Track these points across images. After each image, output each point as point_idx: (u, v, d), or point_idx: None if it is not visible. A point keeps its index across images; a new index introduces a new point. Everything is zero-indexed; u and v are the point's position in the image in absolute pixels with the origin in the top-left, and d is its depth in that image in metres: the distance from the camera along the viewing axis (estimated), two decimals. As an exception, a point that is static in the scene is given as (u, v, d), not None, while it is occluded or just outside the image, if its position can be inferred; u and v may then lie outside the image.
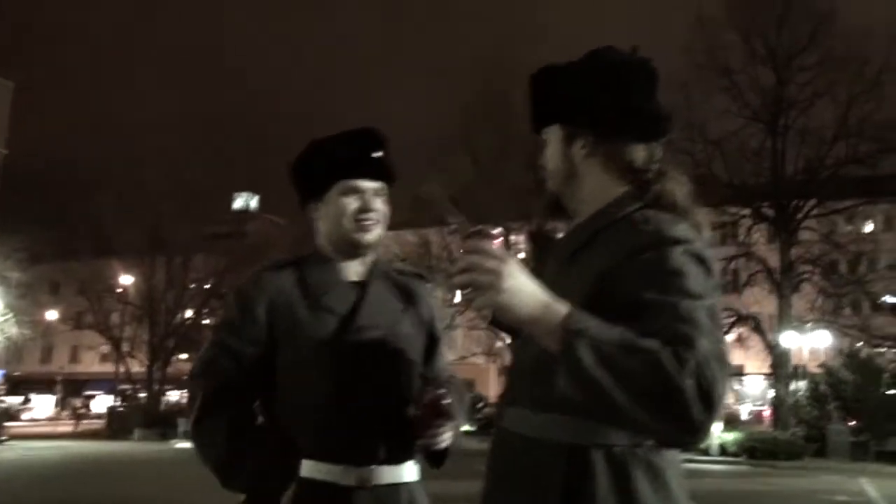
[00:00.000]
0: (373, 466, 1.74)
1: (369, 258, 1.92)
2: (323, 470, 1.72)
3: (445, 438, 1.76)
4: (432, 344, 1.97)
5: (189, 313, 34.95)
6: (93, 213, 32.03)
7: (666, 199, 1.43)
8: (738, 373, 32.19)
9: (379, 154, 1.88)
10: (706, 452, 19.81)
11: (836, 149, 24.54)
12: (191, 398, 1.84)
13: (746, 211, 26.02)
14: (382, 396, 1.78)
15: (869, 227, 30.71)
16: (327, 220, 1.87)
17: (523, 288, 1.24)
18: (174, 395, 43.56)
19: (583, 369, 1.19)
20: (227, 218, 41.28)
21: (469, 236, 1.29)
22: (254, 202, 57.31)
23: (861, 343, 24.01)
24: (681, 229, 1.35)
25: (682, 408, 1.16)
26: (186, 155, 31.64)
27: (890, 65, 23.14)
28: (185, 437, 25.30)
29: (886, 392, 20.08)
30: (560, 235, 1.61)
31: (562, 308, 1.24)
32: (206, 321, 36.95)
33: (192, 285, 34.74)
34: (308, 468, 1.73)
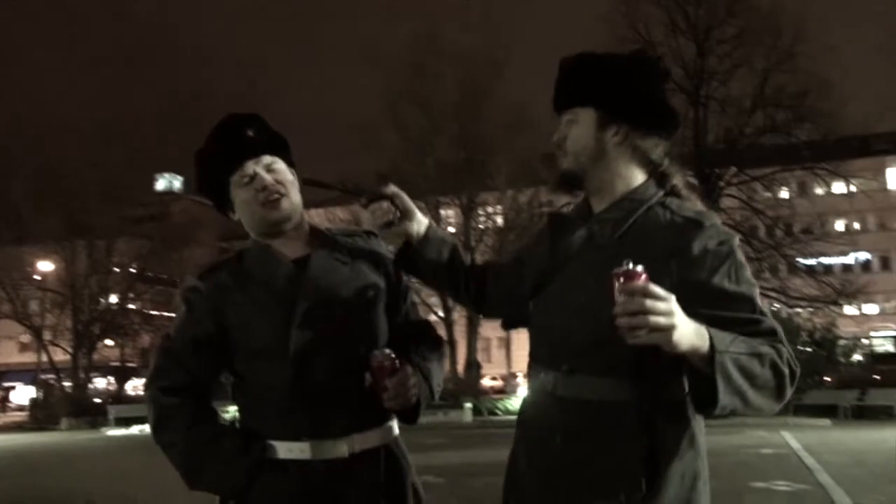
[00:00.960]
0: (341, 439, 1.75)
1: (304, 230, 1.91)
2: (294, 449, 1.74)
3: (408, 395, 1.76)
4: (395, 296, 1.94)
5: (114, 298, 34.03)
6: (4, 198, 30.72)
7: (678, 191, 1.64)
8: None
9: (249, 132, 1.87)
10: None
11: (755, 118, 25.43)
12: (148, 409, 1.85)
13: (670, 180, 26.59)
14: (340, 369, 1.77)
15: (785, 194, 31.76)
16: (243, 216, 1.89)
17: (684, 321, 1.36)
18: (101, 383, 42.46)
19: (732, 381, 1.41)
20: (150, 200, 40.08)
21: (616, 276, 1.35)
22: (178, 183, 55.85)
23: (780, 305, 24.95)
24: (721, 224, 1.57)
25: (785, 391, 1.48)
26: (105, 135, 30.61)
27: (802, 37, 23.99)
28: (117, 424, 24.75)
29: (803, 349, 20.94)
30: (566, 211, 1.75)
31: (703, 331, 1.39)
32: (133, 306, 36.05)
33: (117, 269, 33.78)
34: (276, 449, 1.75)
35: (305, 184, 1.94)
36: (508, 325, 1.87)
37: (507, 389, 28.75)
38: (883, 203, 43.04)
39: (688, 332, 1.37)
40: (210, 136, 1.91)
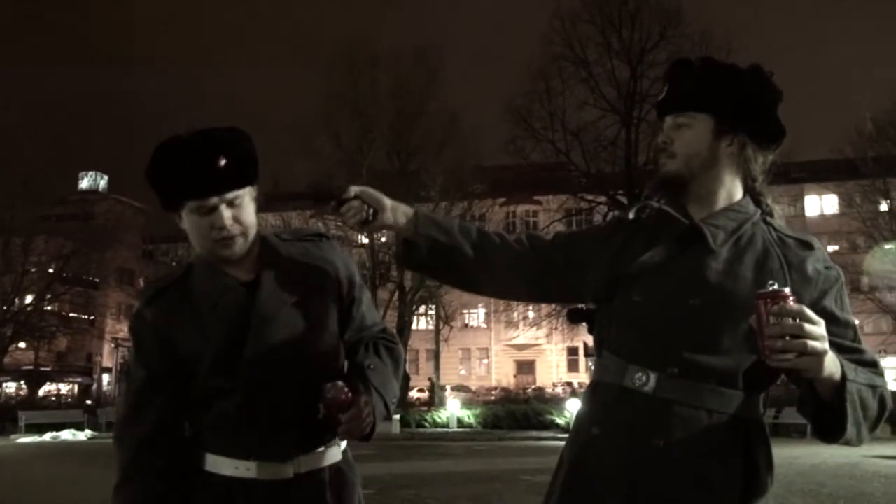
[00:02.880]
0: (288, 462, 1.71)
1: (254, 251, 1.79)
2: (240, 467, 1.70)
3: (362, 427, 1.69)
4: (349, 304, 1.87)
5: (29, 299, 32.73)
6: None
7: (771, 212, 1.66)
8: (595, 353, 33.68)
9: (222, 162, 1.67)
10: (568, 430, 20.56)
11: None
12: (115, 457, 1.76)
13: (602, 198, 27.24)
14: (291, 392, 1.72)
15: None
16: (192, 237, 1.76)
17: (829, 346, 1.36)
18: (11, 387, 40.76)
19: (856, 412, 1.44)
20: (72, 198, 38.83)
21: (763, 297, 1.35)
22: (103, 182, 54.18)
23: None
24: None
25: (880, 425, 1.51)
26: (24, 132, 29.57)
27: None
28: (28, 431, 23.77)
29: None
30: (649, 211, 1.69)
31: (836, 358, 1.40)
32: (50, 307, 34.77)
33: (34, 269, 32.53)
34: (222, 464, 1.71)
35: (266, 199, 1.86)
36: (576, 318, 1.77)
37: (434, 402, 28.74)
38: (800, 229, 44.71)
39: (830, 359, 1.37)
40: (181, 150, 1.69)
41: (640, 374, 1.53)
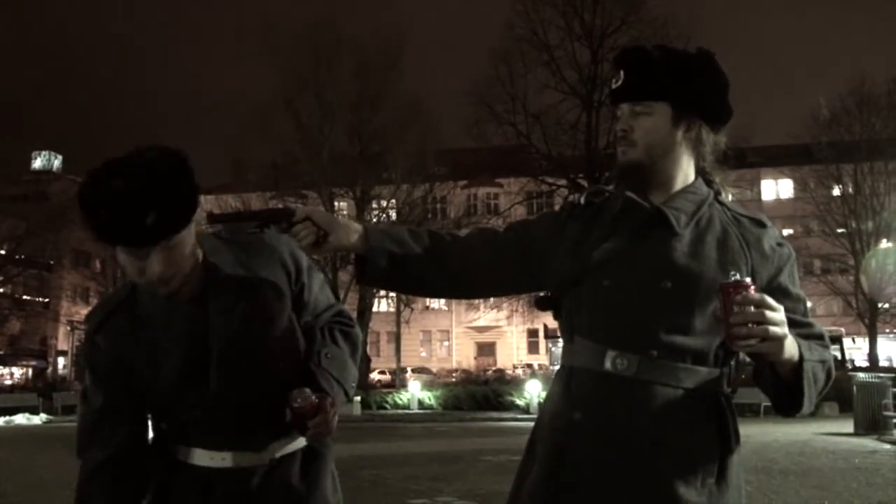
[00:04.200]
0: (263, 451, 1.75)
1: (196, 266, 1.69)
2: (215, 457, 1.73)
3: (329, 429, 1.73)
4: (300, 291, 1.84)
5: (-19, 281, 31.99)
6: None
7: (721, 191, 1.71)
8: (554, 335, 33.94)
9: (151, 219, 1.51)
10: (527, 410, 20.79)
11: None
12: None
13: (563, 181, 27.43)
14: (258, 393, 1.73)
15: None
16: (125, 270, 1.65)
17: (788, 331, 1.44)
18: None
19: (811, 388, 1.52)
20: (25, 179, 37.89)
21: (726, 287, 1.41)
22: (57, 162, 52.94)
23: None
24: None
25: (825, 390, 1.59)
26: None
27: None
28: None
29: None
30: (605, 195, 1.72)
31: (793, 339, 1.48)
32: (2, 290, 34.01)
33: (-15, 251, 31.78)
34: (197, 455, 1.74)
35: (212, 221, 1.75)
36: (544, 306, 1.75)
37: (395, 384, 28.80)
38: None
39: (789, 342, 1.45)
40: (99, 203, 1.52)
41: (619, 358, 1.56)
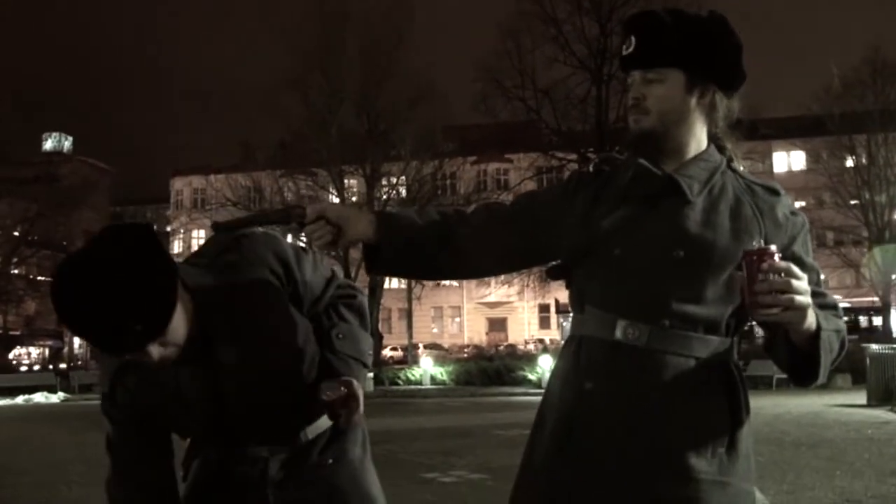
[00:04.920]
0: (294, 440, 1.80)
1: (190, 315, 1.59)
2: (221, 453, 1.79)
3: (357, 413, 1.77)
4: (293, 289, 1.78)
5: (-4, 263, 32.23)
6: None
7: (732, 159, 1.68)
8: (565, 310, 33.98)
9: (138, 328, 1.43)
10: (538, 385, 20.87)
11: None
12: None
13: (573, 156, 27.26)
14: (280, 405, 1.77)
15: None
16: None
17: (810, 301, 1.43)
18: (-19, 352, 40.17)
19: (827, 357, 1.51)
20: (36, 160, 37.99)
21: (750, 255, 1.39)
22: (67, 143, 53.08)
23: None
24: None
25: (839, 359, 1.58)
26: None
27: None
28: (0, 394, 23.59)
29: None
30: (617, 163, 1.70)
31: (813, 310, 1.46)
32: (17, 271, 34.26)
33: (-1, 232, 31.99)
34: (208, 450, 1.80)
35: (217, 231, 1.73)
36: (555, 275, 1.74)
37: (407, 360, 28.94)
38: (768, 184, 45.13)
39: (810, 311, 1.44)
40: (78, 304, 1.40)
41: (630, 328, 1.55)
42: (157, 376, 1.65)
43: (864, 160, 31.39)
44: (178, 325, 1.53)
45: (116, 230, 1.48)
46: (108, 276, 1.40)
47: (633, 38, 1.63)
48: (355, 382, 1.74)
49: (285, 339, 1.74)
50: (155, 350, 1.50)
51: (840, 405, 13.60)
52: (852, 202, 32.28)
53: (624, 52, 1.66)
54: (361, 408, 1.77)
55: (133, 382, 1.68)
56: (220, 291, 1.66)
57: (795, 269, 1.39)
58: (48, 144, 50.86)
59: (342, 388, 1.72)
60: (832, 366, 1.56)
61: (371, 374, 22.49)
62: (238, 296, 1.68)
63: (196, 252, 1.81)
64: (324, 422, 1.83)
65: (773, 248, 1.40)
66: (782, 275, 1.37)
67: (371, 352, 1.88)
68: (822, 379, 1.53)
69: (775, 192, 1.63)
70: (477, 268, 1.81)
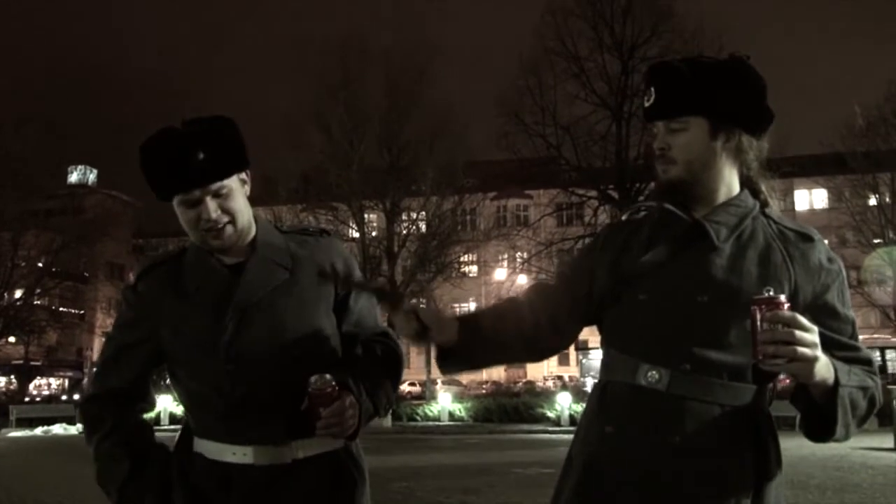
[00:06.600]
0: (284, 445, 1.73)
1: (248, 237, 1.79)
2: (237, 452, 1.73)
3: (343, 426, 1.67)
4: (345, 295, 1.84)
5: (19, 293, 32.57)
6: None
7: (768, 203, 1.68)
8: (584, 346, 33.72)
9: (200, 156, 1.66)
10: (558, 423, 20.63)
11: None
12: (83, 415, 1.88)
13: (593, 193, 27.31)
14: (277, 375, 1.72)
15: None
16: (183, 225, 1.76)
17: (822, 353, 1.40)
18: (1, 382, 40.55)
19: (846, 414, 1.48)
20: (61, 193, 38.54)
21: (758, 303, 1.38)
22: (92, 176, 53.88)
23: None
24: None
25: (867, 421, 1.56)
26: (13, 125, 29.33)
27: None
28: (19, 425, 23.68)
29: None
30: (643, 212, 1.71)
31: (829, 362, 1.44)
32: (39, 302, 34.62)
33: (23, 263, 32.37)
34: (220, 451, 1.75)
35: (323, 275, 1.76)
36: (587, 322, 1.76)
37: (425, 395, 28.76)
38: (790, 222, 44.86)
39: (822, 364, 1.40)
40: (155, 147, 1.70)
41: (652, 371, 1.54)
42: (178, 286, 1.77)
43: (887, 199, 31.10)
44: (239, 200, 1.73)
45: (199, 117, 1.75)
46: (188, 122, 1.72)
47: (652, 90, 1.64)
48: (351, 397, 1.68)
49: (305, 317, 1.77)
50: (212, 203, 1.69)
51: (867, 448, 13.32)
52: (875, 241, 31.93)
53: (645, 104, 1.67)
54: (346, 430, 1.69)
55: (157, 281, 1.81)
56: (278, 246, 1.80)
57: (801, 320, 1.37)
58: (73, 177, 51.64)
59: (333, 385, 1.64)
60: (861, 424, 1.52)
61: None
62: (289, 259, 1.79)
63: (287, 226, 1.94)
64: (320, 446, 1.76)
65: (782, 297, 1.38)
66: (787, 326, 1.36)
67: (389, 403, 1.84)
68: (840, 436, 1.48)
69: (808, 239, 1.61)
70: (545, 351, 1.79)
